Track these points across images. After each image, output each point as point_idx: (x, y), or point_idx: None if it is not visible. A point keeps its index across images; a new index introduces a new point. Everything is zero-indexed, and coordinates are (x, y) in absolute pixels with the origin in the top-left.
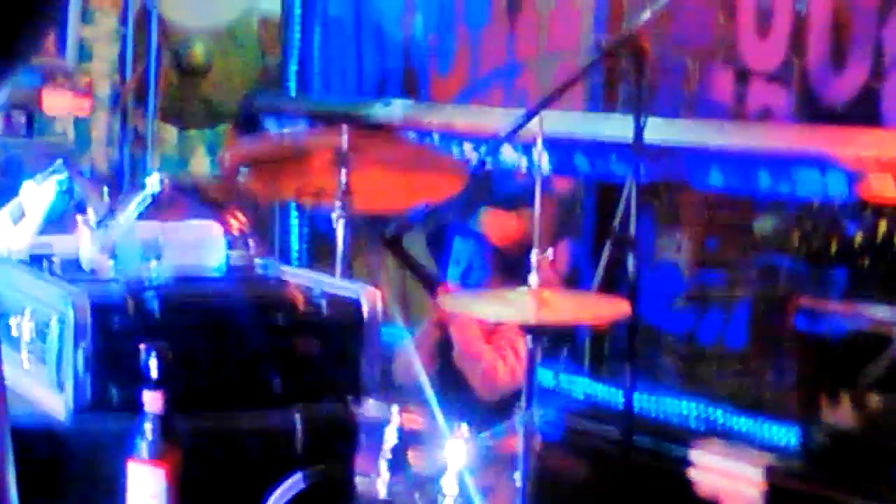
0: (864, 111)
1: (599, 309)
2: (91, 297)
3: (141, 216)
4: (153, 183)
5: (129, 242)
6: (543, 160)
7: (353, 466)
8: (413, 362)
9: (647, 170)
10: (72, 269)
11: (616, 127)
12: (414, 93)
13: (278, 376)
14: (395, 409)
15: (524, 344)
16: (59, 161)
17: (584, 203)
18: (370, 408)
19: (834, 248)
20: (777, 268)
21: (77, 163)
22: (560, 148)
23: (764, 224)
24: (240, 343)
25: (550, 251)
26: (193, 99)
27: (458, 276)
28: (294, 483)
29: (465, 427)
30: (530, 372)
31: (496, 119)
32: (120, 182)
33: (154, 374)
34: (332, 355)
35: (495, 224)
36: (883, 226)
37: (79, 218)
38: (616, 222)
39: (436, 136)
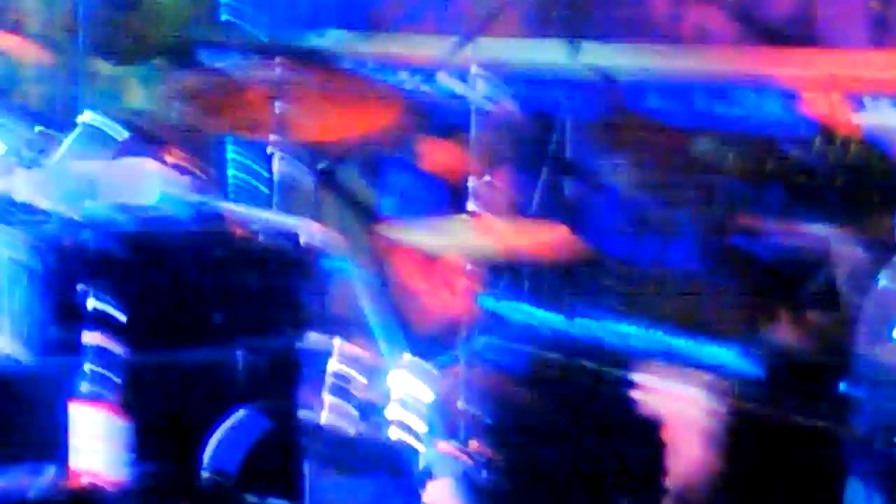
0: (798, 31)
1: (539, 235)
2: (28, 237)
3: (76, 148)
4: (87, 114)
5: (65, 175)
6: (479, 87)
7: (297, 397)
8: (355, 289)
9: (584, 95)
10: (5, 207)
11: (552, 52)
12: (348, 21)
13: (220, 311)
14: (337, 340)
15: (463, 274)
16: None
17: (522, 129)
18: (312, 340)
19: (770, 167)
20: (715, 188)
21: (8, 100)
22: (496, 74)
23: (701, 145)
24: (180, 276)
25: (489, 176)
26: (125, 33)
27: (393, 208)
28: (238, 416)
29: (407, 356)
30: (472, 301)
31: (431, 47)
32: (53, 119)
33: (94, 313)
34: (273, 289)
35: (432, 152)
36: (818, 143)
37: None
38: (553, 147)
39: (371, 65)
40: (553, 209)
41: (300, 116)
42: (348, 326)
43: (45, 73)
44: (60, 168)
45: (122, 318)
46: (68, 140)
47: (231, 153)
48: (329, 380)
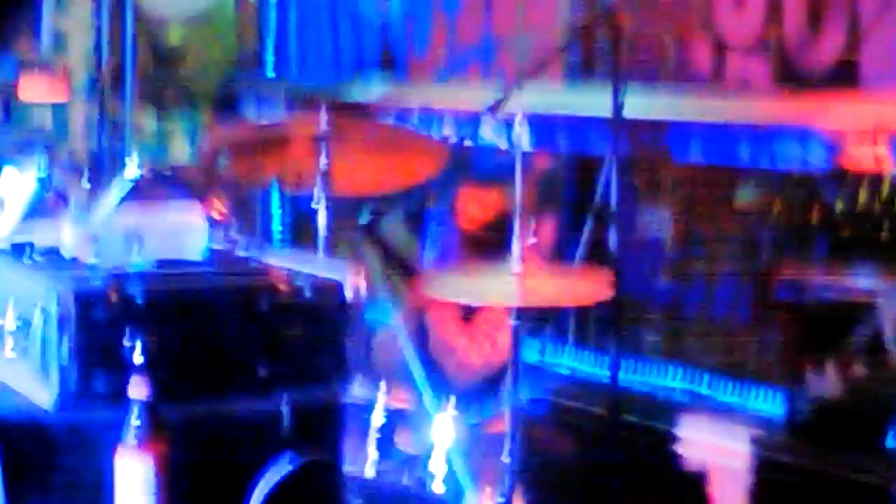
0: (841, 79)
1: (582, 287)
2: (74, 287)
3: (121, 203)
4: (132, 169)
5: (111, 230)
6: (523, 136)
7: (340, 449)
8: (397, 342)
9: (627, 144)
10: (53, 258)
11: (595, 102)
12: (391, 73)
13: (263, 361)
14: (381, 390)
15: (505, 326)
16: (39, 150)
17: (565, 179)
18: (356, 389)
19: (815, 217)
20: (759, 239)
21: (56, 152)
22: (539, 124)
23: (745, 195)
24: (224, 329)
25: (533, 237)
26: (170, 84)
27: (436, 259)
28: (282, 468)
29: (451, 405)
30: (515, 352)
31: (474, 97)
32: (99, 171)
33: (139, 362)
34: (317, 338)
35: (474, 202)
36: (863, 194)
37: (60, 207)
38: (597, 197)
39: (415, 116)
40: (597, 258)
41: (344, 168)
42: (392, 378)
43: (92, 127)
44: (106, 223)
45: (166, 367)
46: (114, 194)
47: (276, 203)
48: (373, 433)
